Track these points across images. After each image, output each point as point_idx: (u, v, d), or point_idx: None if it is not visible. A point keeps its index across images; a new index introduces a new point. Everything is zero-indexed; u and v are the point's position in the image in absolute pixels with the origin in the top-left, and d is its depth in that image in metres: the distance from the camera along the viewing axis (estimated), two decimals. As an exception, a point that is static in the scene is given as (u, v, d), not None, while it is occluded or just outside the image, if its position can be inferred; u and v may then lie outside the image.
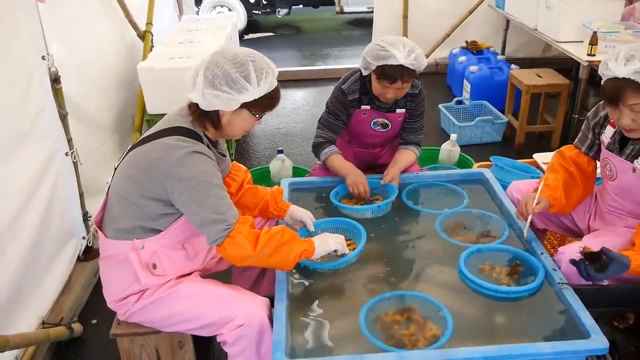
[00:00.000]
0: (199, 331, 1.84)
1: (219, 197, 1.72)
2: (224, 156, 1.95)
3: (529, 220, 1.98)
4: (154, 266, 1.82)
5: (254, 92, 1.75)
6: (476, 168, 3.06)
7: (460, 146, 3.63)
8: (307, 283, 1.92)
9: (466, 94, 4.85)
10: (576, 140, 2.19)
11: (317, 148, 2.56)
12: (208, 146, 1.81)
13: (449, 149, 3.53)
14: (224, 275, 2.17)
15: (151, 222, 1.79)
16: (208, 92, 1.72)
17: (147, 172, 1.72)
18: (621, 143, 1.99)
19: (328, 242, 1.89)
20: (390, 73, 2.24)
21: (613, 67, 1.79)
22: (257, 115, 1.82)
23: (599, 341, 1.58)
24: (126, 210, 1.78)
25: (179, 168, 1.68)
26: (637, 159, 1.92)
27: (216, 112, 1.77)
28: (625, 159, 1.97)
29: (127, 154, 1.83)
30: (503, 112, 4.42)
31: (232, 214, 1.73)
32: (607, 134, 2.04)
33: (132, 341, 1.93)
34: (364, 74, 2.40)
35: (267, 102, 1.81)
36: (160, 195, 1.73)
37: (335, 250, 1.91)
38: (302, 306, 1.82)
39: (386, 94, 2.33)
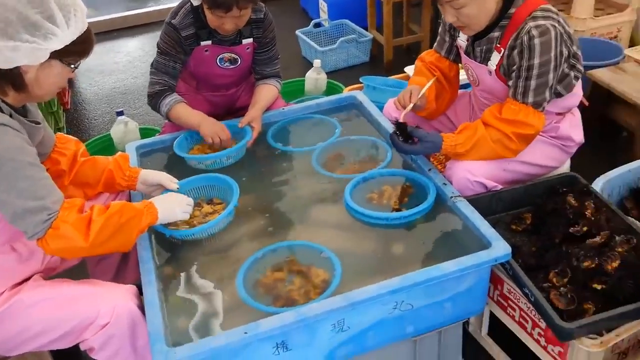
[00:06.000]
0: (56, 344, 1.68)
1: (35, 179, 1.54)
2: (38, 124, 1.73)
3: (408, 108, 2.00)
4: (-24, 279, 1.62)
5: (65, 37, 1.55)
6: (347, 92, 3.06)
7: (326, 73, 3.63)
8: (176, 257, 1.83)
9: (324, 15, 4.83)
10: (435, 44, 2.25)
11: (154, 98, 2.38)
12: (11, 115, 1.60)
13: (315, 77, 3.51)
14: (78, 271, 2.00)
15: None
16: (2, 45, 1.50)
17: None
18: (474, 46, 2.07)
19: (174, 211, 1.80)
20: (222, 0, 2.12)
21: None
22: (72, 65, 1.63)
23: (501, 248, 1.66)
24: None
25: None
26: (489, 61, 2.01)
27: (16, 69, 1.56)
28: (479, 62, 2.05)
29: None
30: (367, 29, 4.47)
31: (53, 198, 1.56)
32: (462, 37, 2.10)
33: (-29, 376, 1.74)
34: (194, 4, 2.26)
35: (82, 47, 1.62)
36: None
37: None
38: (176, 284, 1.73)
39: (224, 25, 2.21)
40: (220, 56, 2.41)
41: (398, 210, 1.89)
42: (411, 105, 2.02)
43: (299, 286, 1.65)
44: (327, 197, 2.01)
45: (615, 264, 1.63)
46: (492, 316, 1.98)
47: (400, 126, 1.96)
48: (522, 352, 1.85)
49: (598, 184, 2.18)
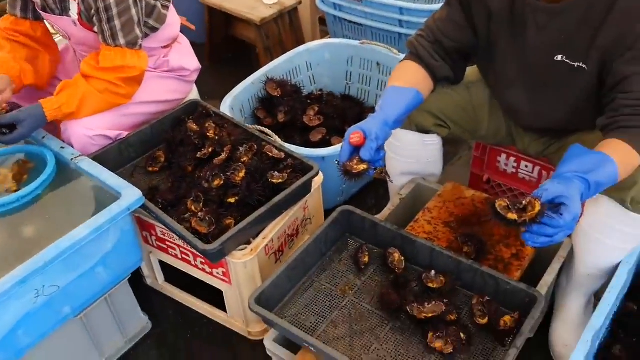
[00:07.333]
0: None
1: None
2: None
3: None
4: None
5: None
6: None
7: None
8: None
9: None
10: (7, 6, 1.99)
11: None
12: None
13: None
14: None
15: None
16: None
17: None
18: None
19: None
20: None
21: None
22: None
23: (131, 195, 1.62)
24: None
25: None
26: (69, 11, 1.88)
27: None
28: (60, 15, 1.90)
29: None
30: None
31: None
32: None
33: None
34: None
35: None
36: None
37: None
38: None
39: None
40: None
41: (17, 191, 1.71)
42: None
43: None
44: None
45: (242, 174, 1.70)
46: (165, 262, 1.96)
47: None
48: (202, 285, 1.88)
49: (227, 103, 2.27)
